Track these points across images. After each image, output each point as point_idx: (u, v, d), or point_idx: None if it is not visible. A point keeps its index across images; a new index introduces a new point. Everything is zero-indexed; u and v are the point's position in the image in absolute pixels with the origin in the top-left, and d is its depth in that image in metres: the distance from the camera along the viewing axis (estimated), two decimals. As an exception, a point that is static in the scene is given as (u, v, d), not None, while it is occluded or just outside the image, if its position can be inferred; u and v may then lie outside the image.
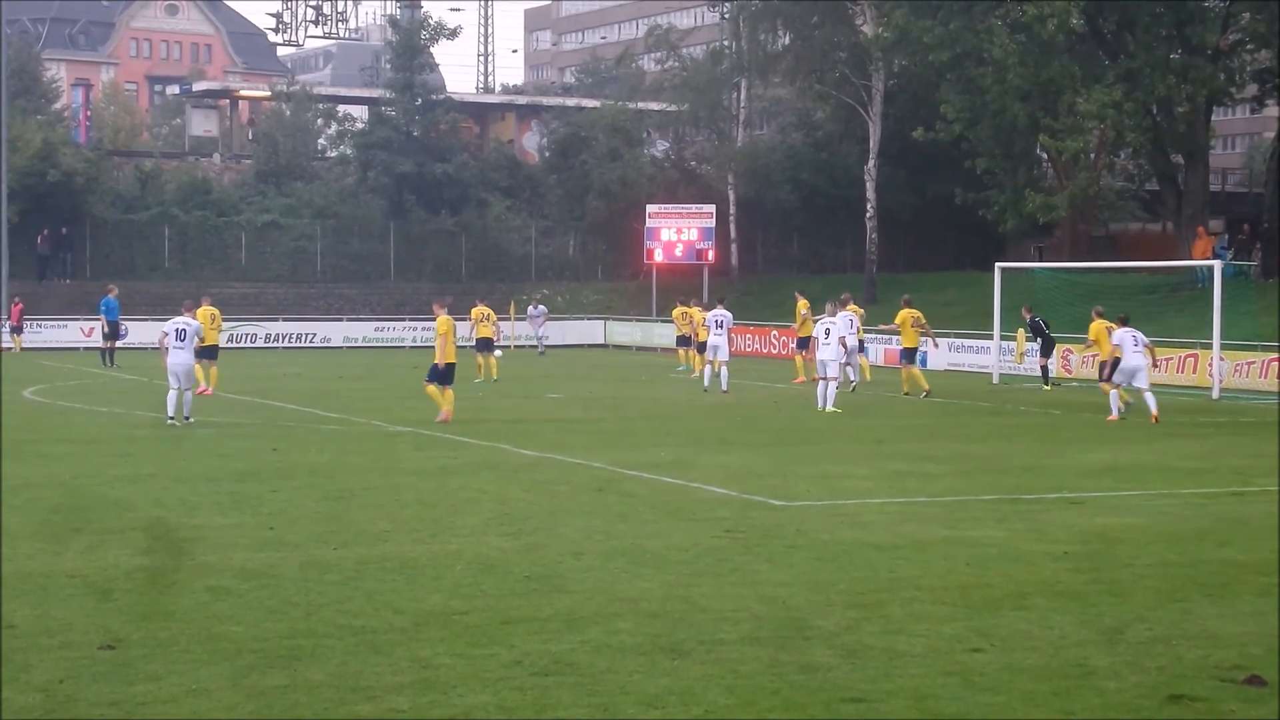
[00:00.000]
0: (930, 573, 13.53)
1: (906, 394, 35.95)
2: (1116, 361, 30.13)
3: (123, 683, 9.68)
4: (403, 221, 71.46)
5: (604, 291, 71.36)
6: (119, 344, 47.51)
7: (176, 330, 27.31)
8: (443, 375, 28.13)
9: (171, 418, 26.94)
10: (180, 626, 11.14)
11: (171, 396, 27.06)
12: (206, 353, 33.16)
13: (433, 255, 71.92)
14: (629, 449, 23.71)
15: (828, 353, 31.88)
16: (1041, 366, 39.91)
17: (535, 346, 58.13)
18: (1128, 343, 29.81)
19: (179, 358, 27.16)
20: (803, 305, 40.78)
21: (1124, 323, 30.63)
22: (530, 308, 60.34)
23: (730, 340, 37.51)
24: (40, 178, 63.77)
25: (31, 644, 10.60)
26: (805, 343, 38.69)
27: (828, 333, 32.14)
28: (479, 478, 19.94)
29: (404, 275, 70.69)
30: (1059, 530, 15.95)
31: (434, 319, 28.78)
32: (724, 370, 36.64)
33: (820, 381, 32.00)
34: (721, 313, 37.09)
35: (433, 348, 28.90)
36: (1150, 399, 29.72)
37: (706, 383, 37.33)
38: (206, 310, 34.83)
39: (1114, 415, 30.17)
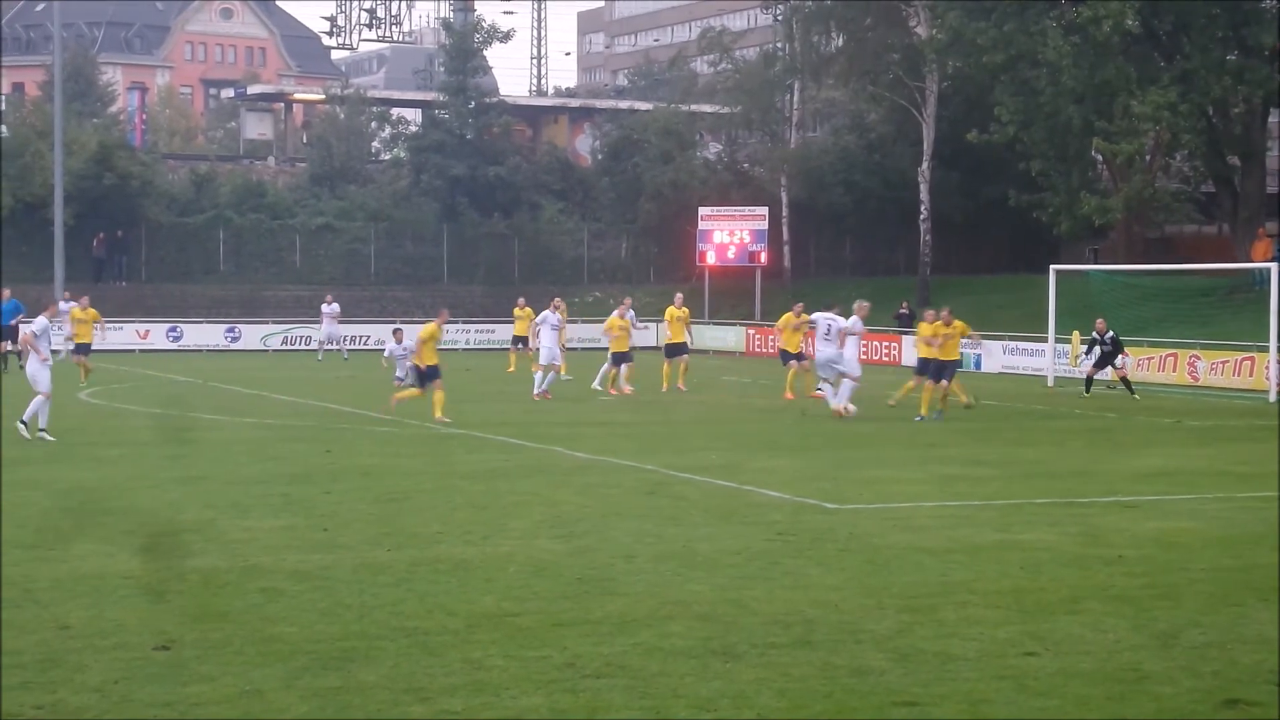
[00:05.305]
0: (983, 576, 13.48)
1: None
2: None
3: (177, 684, 9.74)
4: (456, 224, 71.62)
5: (656, 294, 71.26)
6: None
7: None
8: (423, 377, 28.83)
9: (42, 429, 24.45)
10: (234, 628, 11.19)
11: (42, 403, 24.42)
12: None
13: (485, 258, 72.04)
14: (679, 452, 23.69)
15: None
16: (1090, 376, 38.75)
17: (337, 350, 53.31)
18: None
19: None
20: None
21: None
22: (323, 305, 54.78)
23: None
24: (96, 181, 64.08)
25: (87, 645, 10.68)
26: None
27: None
28: (530, 481, 19.96)
29: (457, 278, 70.82)
30: (1113, 534, 15.86)
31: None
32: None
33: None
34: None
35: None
36: None
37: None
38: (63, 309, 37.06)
39: None
